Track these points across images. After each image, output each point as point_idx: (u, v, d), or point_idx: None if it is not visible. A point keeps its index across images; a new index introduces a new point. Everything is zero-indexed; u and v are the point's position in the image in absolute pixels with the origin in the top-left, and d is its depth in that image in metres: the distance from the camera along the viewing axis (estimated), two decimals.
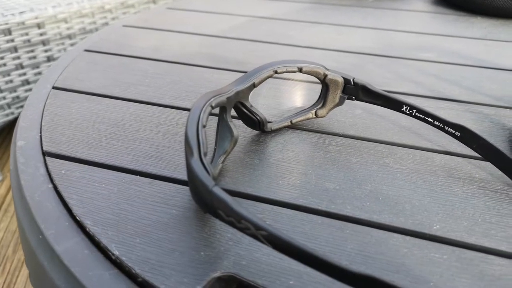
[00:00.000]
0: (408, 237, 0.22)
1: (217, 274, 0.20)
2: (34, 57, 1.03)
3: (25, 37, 1.03)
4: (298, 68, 0.30)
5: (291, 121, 0.32)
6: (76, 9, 1.10)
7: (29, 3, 1.07)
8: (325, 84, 0.31)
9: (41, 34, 1.07)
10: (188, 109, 0.35)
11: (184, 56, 0.46)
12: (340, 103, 0.32)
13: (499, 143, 0.31)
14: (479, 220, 0.24)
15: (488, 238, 0.22)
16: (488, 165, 0.28)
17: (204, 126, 0.23)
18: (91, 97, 0.37)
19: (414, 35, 0.53)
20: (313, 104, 0.33)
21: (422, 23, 0.57)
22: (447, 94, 0.38)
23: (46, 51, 1.05)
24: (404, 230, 0.23)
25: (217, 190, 0.20)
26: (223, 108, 0.27)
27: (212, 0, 0.68)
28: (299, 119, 0.33)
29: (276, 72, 0.29)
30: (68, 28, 1.12)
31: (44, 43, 1.08)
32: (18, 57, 1.01)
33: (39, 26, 1.06)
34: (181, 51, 0.47)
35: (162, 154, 0.29)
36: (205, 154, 0.22)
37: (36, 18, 1.05)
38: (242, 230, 0.19)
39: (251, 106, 0.29)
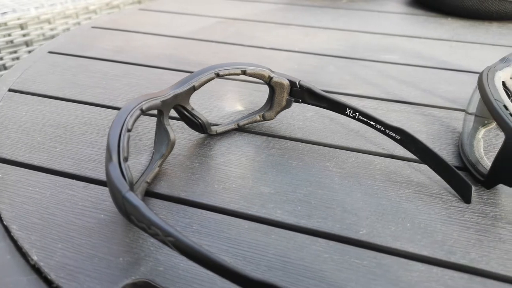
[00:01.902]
0: (332, 242, 0.22)
1: (131, 280, 0.20)
2: (17, 58, 1.03)
3: (8, 38, 1.03)
4: (241, 70, 0.30)
5: (238, 124, 0.32)
6: (60, 10, 1.10)
7: (11, 3, 1.06)
8: (271, 87, 0.31)
9: (24, 35, 1.07)
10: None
11: (146, 58, 0.45)
12: (287, 105, 0.32)
13: (446, 146, 0.31)
14: (408, 225, 0.23)
15: (413, 244, 0.22)
16: (427, 168, 0.28)
17: (129, 130, 0.23)
18: (45, 100, 0.37)
19: (380, 37, 0.53)
20: (261, 107, 0.33)
21: (391, 25, 0.57)
22: (402, 96, 0.38)
23: (29, 52, 1.04)
24: (329, 234, 0.23)
25: (130, 196, 0.20)
26: (160, 112, 0.27)
27: (186, 1, 0.68)
28: (246, 121, 0.32)
29: (218, 75, 0.29)
30: (51, 29, 1.11)
31: (27, 44, 1.08)
32: (1, 58, 1.00)
33: (22, 27, 1.06)
34: (144, 52, 0.47)
35: (104, 158, 0.29)
36: (126, 159, 0.22)
37: (19, 19, 1.05)
38: (152, 236, 0.19)
39: (193, 109, 0.29)
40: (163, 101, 0.26)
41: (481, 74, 0.28)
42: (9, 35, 1.05)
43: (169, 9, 0.64)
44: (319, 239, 0.22)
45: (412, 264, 0.21)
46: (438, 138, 0.31)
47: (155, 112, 0.35)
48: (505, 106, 0.25)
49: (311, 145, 0.31)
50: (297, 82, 0.31)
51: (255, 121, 0.33)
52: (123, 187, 0.20)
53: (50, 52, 0.47)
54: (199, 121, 0.29)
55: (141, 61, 0.45)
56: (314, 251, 0.22)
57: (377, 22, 0.58)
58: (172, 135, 0.27)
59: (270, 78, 0.31)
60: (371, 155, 0.29)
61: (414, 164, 0.28)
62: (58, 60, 0.45)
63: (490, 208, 0.25)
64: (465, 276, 0.20)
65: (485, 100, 0.26)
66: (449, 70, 0.43)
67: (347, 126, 0.33)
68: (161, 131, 0.27)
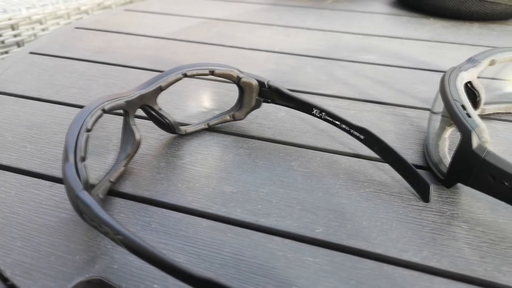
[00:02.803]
0: (287, 240, 0.22)
1: (84, 278, 0.20)
2: None
3: None
4: (210, 71, 0.30)
5: (208, 124, 0.33)
6: (51, 10, 1.10)
7: (2, 4, 1.06)
8: (240, 87, 0.32)
9: (15, 36, 1.07)
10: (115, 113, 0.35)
11: (126, 58, 0.46)
12: (257, 106, 0.33)
13: (413, 145, 0.31)
14: (364, 223, 0.24)
15: (367, 242, 0.22)
16: (391, 168, 0.28)
17: (88, 130, 0.23)
18: (20, 100, 0.37)
19: (361, 37, 0.53)
20: (232, 107, 0.33)
21: (373, 25, 0.57)
22: (376, 96, 0.38)
23: None
24: (286, 233, 0.23)
25: (83, 195, 0.20)
26: (126, 112, 0.27)
27: (173, 2, 0.68)
28: (216, 121, 0.33)
29: (185, 75, 0.30)
30: (43, 29, 1.11)
31: (18, 44, 1.08)
32: None
33: (13, 27, 1.06)
34: (124, 53, 0.47)
35: None
36: (82, 159, 0.22)
37: (10, 19, 1.05)
38: (104, 234, 0.19)
39: (160, 109, 0.29)
40: (127, 101, 0.27)
41: (444, 74, 0.29)
42: (0, 35, 1.05)
43: (154, 9, 0.64)
44: (275, 238, 0.23)
45: (364, 262, 0.21)
46: (406, 138, 0.32)
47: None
48: (463, 106, 0.25)
49: (279, 144, 0.31)
50: (265, 83, 0.31)
51: (225, 121, 0.33)
52: (77, 186, 0.20)
53: (31, 53, 0.47)
54: (167, 121, 0.30)
55: (120, 61, 0.45)
56: (268, 249, 0.22)
57: (360, 22, 0.59)
58: (137, 135, 0.27)
59: (239, 78, 0.31)
60: (337, 155, 0.30)
61: (378, 163, 0.29)
62: (38, 60, 0.45)
63: (448, 207, 0.25)
64: (415, 273, 0.21)
65: (445, 100, 0.26)
66: (426, 70, 0.44)
67: (316, 126, 0.33)
68: (127, 131, 0.28)
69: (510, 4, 0.55)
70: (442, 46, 0.50)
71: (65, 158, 0.21)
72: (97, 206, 0.19)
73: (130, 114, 0.27)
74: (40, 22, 1.10)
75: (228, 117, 0.33)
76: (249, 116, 0.34)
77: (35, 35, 1.09)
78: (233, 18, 0.60)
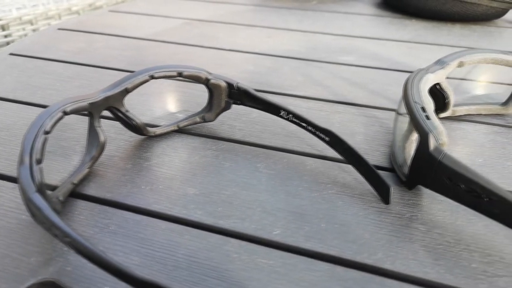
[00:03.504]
0: (244, 242, 0.23)
1: (37, 280, 0.20)
2: None
3: None
4: (177, 73, 0.30)
5: (178, 126, 0.33)
6: (42, 11, 1.10)
7: None
8: (209, 89, 0.32)
9: (5, 36, 1.07)
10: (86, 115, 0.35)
11: (105, 59, 0.46)
12: (227, 107, 0.33)
13: (380, 147, 0.31)
14: (323, 225, 0.24)
15: (323, 244, 0.22)
16: (355, 169, 0.28)
17: (47, 132, 0.23)
18: None
19: (341, 38, 0.53)
20: (202, 109, 0.33)
21: (355, 26, 0.57)
22: (349, 98, 0.38)
23: None
24: (243, 235, 0.23)
25: (35, 197, 0.20)
26: (90, 114, 0.27)
27: (157, 2, 0.68)
28: (186, 123, 0.33)
29: (152, 77, 0.30)
30: (34, 30, 1.11)
31: (9, 44, 1.08)
32: None
33: (3, 28, 1.06)
34: (104, 54, 0.47)
35: None
36: (38, 161, 0.22)
37: (0, 20, 1.05)
38: (55, 236, 0.19)
39: (127, 111, 0.29)
40: (91, 104, 0.27)
41: (409, 76, 0.29)
42: None
43: (138, 10, 0.64)
44: (232, 240, 0.23)
45: (318, 264, 0.21)
46: (374, 140, 0.32)
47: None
48: (423, 108, 0.25)
49: (247, 146, 0.31)
50: (234, 84, 0.31)
51: (196, 123, 0.33)
52: (30, 188, 0.20)
53: (11, 54, 0.47)
54: (134, 123, 0.30)
55: (99, 62, 0.45)
56: (224, 251, 0.22)
57: (342, 23, 0.59)
58: (102, 138, 0.27)
59: (207, 80, 0.31)
60: (304, 156, 0.30)
61: (344, 165, 0.29)
62: (17, 61, 0.45)
63: (408, 209, 0.25)
64: (367, 275, 0.21)
65: (406, 102, 0.26)
66: (402, 72, 0.44)
67: (287, 128, 0.33)
68: (92, 133, 0.28)
69: (491, 5, 0.55)
70: (422, 47, 0.50)
71: (20, 161, 0.22)
72: (47, 209, 0.19)
73: (94, 116, 0.27)
74: (31, 22, 1.10)
75: (198, 119, 0.33)
76: (221, 117, 0.35)
77: (26, 35, 1.09)
78: (216, 19, 0.60)
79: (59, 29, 0.56)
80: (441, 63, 0.31)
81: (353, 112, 0.36)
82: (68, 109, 0.25)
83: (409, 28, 0.56)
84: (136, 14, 0.62)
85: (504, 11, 0.57)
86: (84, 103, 0.26)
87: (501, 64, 0.32)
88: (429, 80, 0.29)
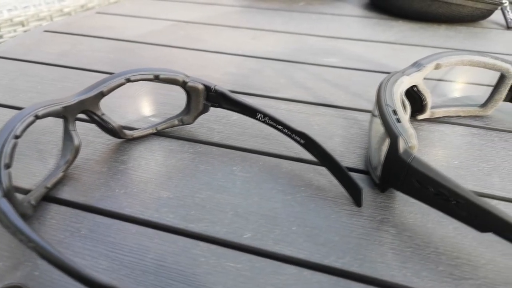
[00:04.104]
0: (213, 246, 0.23)
1: (3, 285, 0.20)
2: None
3: None
4: (154, 76, 0.30)
5: (156, 129, 0.33)
6: (33, 12, 1.10)
7: None
8: (187, 91, 0.32)
9: None
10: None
11: (89, 62, 0.46)
12: (205, 110, 0.33)
13: (357, 149, 0.31)
14: (294, 228, 0.24)
15: (292, 247, 0.23)
16: (329, 172, 0.28)
17: (17, 137, 0.23)
18: None
19: (326, 39, 0.53)
20: (180, 112, 0.33)
21: (341, 27, 0.57)
22: (330, 100, 0.38)
23: None
24: (213, 238, 0.23)
25: (1, 202, 0.20)
26: (65, 118, 0.27)
27: (145, 4, 0.68)
28: (164, 126, 0.33)
29: (129, 81, 0.30)
30: (25, 31, 1.11)
31: None
32: None
33: None
34: (88, 56, 0.47)
35: (17, 163, 0.29)
36: (7, 166, 0.22)
37: None
38: (20, 241, 0.19)
39: (103, 114, 0.29)
40: (65, 107, 0.27)
41: (384, 78, 0.29)
42: None
43: (126, 12, 0.64)
44: (201, 243, 0.23)
45: (285, 267, 0.21)
46: (352, 142, 0.32)
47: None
48: (394, 111, 0.25)
49: (225, 149, 0.31)
50: (212, 87, 0.31)
51: (174, 126, 0.33)
52: None
53: None
54: (110, 126, 0.30)
55: (83, 65, 0.45)
56: (192, 255, 0.22)
57: (328, 25, 0.59)
58: (76, 141, 0.27)
59: (185, 83, 0.31)
60: (280, 159, 0.30)
61: (319, 168, 0.29)
62: (1, 65, 0.45)
63: (379, 211, 0.25)
64: (333, 278, 0.21)
65: (378, 104, 0.26)
66: (385, 73, 0.44)
67: (266, 130, 0.33)
68: (67, 137, 0.28)
69: (476, 7, 0.55)
70: (407, 48, 0.51)
71: None
72: (12, 214, 0.19)
73: (69, 119, 0.27)
74: (22, 24, 1.09)
75: (176, 122, 0.33)
76: (201, 120, 0.35)
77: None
78: (202, 20, 0.60)
79: (45, 31, 0.56)
80: (417, 65, 0.31)
81: (333, 114, 0.36)
82: (40, 113, 0.25)
83: (395, 29, 0.57)
84: (123, 15, 0.62)
85: (489, 12, 0.57)
86: (57, 107, 0.26)
87: (478, 66, 0.32)
88: (404, 83, 0.29)
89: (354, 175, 0.28)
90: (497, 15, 0.61)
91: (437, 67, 0.32)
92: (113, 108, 0.36)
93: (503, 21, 0.60)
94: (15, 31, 1.08)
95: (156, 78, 0.30)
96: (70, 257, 0.22)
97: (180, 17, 0.61)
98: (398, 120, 0.25)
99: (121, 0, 0.89)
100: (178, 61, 0.47)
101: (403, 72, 0.30)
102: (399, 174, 0.24)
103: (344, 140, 0.32)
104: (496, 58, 0.33)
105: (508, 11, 0.56)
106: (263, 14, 0.63)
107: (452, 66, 0.32)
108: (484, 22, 0.60)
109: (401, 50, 0.50)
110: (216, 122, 0.34)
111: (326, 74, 0.44)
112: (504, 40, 0.54)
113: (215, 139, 0.32)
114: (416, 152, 0.30)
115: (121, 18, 0.61)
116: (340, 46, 0.51)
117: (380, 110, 0.26)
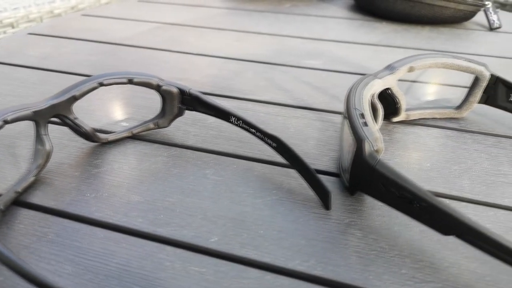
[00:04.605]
0: (179, 250, 0.23)
1: None
2: None
3: None
4: (128, 79, 0.30)
5: (132, 132, 0.33)
6: (23, 14, 1.09)
7: None
8: (162, 95, 0.32)
9: None
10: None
11: (70, 65, 0.46)
12: (180, 113, 0.33)
13: (330, 152, 0.31)
14: (261, 232, 0.24)
15: (258, 250, 0.23)
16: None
17: None
18: None
19: (309, 41, 0.53)
20: (156, 115, 0.33)
21: (325, 29, 0.58)
22: (308, 102, 0.38)
23: None
24: (180, 242, 0.23)
25: None
26: (36, 122, 0.27)
27: (132, 6, 0.68)
28: (139, 129, 0.33)
29: (102, 84, 0.30)
30: (15, 33, 1.10)
31: None
32: None
33: None
34: (70, 59, 0.47)
35: None
36: None
37: None
38: None
39: (76, 118, 0.29)
40: (35, 112, 0.27)
41: (355, 81, 0.29)
42: None
43: (111, 14, 0.64)
44: (168, 247, 0.23)
45: (249, 271, 0.21)
46: (326, 145, 0.32)
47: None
48: (361, 115, 0.25)
49: (199, 152, 0.31)
50: (186, 90, 0.31)
51: (149, 129, 0.33)
52: None
53: None
54: (83, 130, 0.30)
55: (64, 68, 0.45)
56: (157, 260, 0.22)
57: (312, 26, 0.59)
58: (47, 146, 0.27)
59: (159, 86, 0.31)
60: (254, 162, 0.30)
61: (291, 171, 0.29)
62: None
63: (348, 214, 0.25)
64: (295, 282, 0.21)
65: (346, 107, 0.26)
66: (363, 75, 0.44)
67: (241, 133, 0.33)
68: (38, 141, 0.28)
69: (459, 8, 0.55)
70: (389, 50, 0.51)
71: None
72: None
73: (40, 124, 0.27)
74: (12, 25, 1.09)
75: (151, 125, 0.33)
76: (177, 123, 0.35)
77: None
78: (187, 22, 0.60)
79: (29, 33, 0.56)
80: (390, 68, 0.32)
81: (310, 116, 0.36)
82: (9, 118, 0.25)
83: (378, 31, 0.57)
84: (108, 18, 0.62)
85: (472, 14, 0.57)
86: (27, 112, 0.26)
87: (451, 69, 0.33)
88: (375, 86, 0.29)
89: (326, 178, 0.28)
90: (480, 17, 0.61)
91: (411, 70, 0.32)
92: (90, 112, 0.36)
93: (486, 23, 0.60)
94: (5, 32, 1.08)
95: (130, 82, 0.30)
96: (35, 262, 0.22)
97: (165, 19, 0.62)
98: (365, 124, 0.25)
99: (111, 2, 0.89)
100: (160, 63, 0.47)
101: (375, 75, 0.30)
102: (365, 177, 0.24)
103: (318, 143, 0.32)
104: (470, 61, 0.33)
105: (490, 13, 0.56)
106: (249, 16, 0.64)
107: (425, 69, 0.32)
108: (467, 24, 0.60)
109: (383, 51, 0.50)
110: (193, 125, 0.34)
111: (306, 76, 0.44)
112: (487, 41, 0.54)
113: (191, 142, 0.32)
114: (388, 155, 0.30)
115: (107, 20, 0.61)
116: (323, 48, 0.51)
117: (348, 113, 0.26)
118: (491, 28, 0.57)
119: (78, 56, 0.48)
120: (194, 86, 0.41)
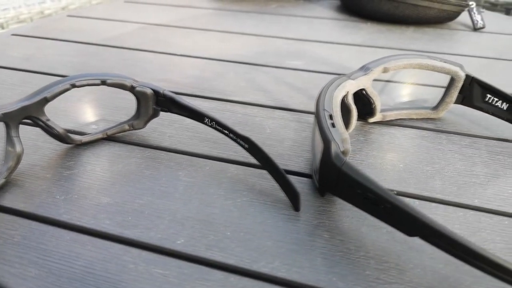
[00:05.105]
0: (145, 252, 0.23)
1: None
2: None
3: None
4: (101, 81, 0.30)
5: (106, 134, 0.33)
6: (13, 14, 1.09)
7: None
8: (136, 96, 0.32)
9: None
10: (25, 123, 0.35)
11: (52, 66, 0.46)
12: (155, 115, 0.33)
13: (305, 153, 0.31)
14: (228, 233, 0.24)
15: (223, 252, 0.23)
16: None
17: None
18: None
19: (294, 42, 0.53)
20: (131, 116, 0.33)
21: (310, 30, 0.58)
22: (287, 103, 0.38)
23: None
24: (146, 244, 0.23)
25: None
26: (7, 124, 0.27)
27: (119, 7, 0.68)
28: (114, 131, 0.33)
29: (74, 86, 0.30)
30: None
31: None
32: None
33: None
34: (52, 60, 0.47)
35: None
36: None
37: None
38: None
39: (48, 120, 0.29)
40: (5, 114, 0.27)
41: (327, 82, 0.29)
42: None
43: (97, 15, 0.64)
44: (133, 250, 0.23)
45: (213, 273, 0.21)
46: (301, 145, 0.32)
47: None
48: (330, 116, 0.25)
49: (173, 153, 0.31)
50: (161, 92, 0.31)
51: (125, 130, 0.33)
52: None
53: None
54: (55, 132, 0.30)
55: (46, 69, 0.45)
56: (122, 262, 0.22)
57: (297, 27, 0.59)
58: (18, 148, 0.27)
59: (133, 88, 0.31)
60: (227, 163, 0.30)
61: (264, 172, 0.29)
62: None
63: (317, 216, 0.25)
64: (259, 284, 0.21)
65: (316, 108, 0.26)
66: None
67: (216, 134, 0.33)
68: (9, 143, 0.28)
69: (443, 8, 0.55)
70: (372, 50, 0.51)
71: None
72: None
73: (11, 126, 0.27)
74: (2, 26, 1.09)
75: (127, 126, 0.33)
76: (153, 124, 0.35)
77: None
78: (173, 23, 0.60)
79: (12, 34, 0.56)
80: (365, 69, 0.32)
81: (288, 117, 0.36)
82: None
83: (363, 32, 0.57)
84: (94, 18, 0.62)
85: (456, 14, 0.58)
86: None
87: (426, 69, 0.33)
88: (346, 87, 0.29)
89: (299, 179, 0.28)
90: (464, 17, 0.61)
91: (385, 70, 0.32)
92: (67, 113, 0.36)
93: (470, 23, 0.60)
94: None
95: (103, 83, 0.30)
96: None
97: (151, 20, 0.61)
98: (333, 125, 0.25)
99: (99, 3, 0.89)
100: (142, 64, 0.47)
101: (348, 76, 0.30)
102: (333, 179, 0.24)
103: (294, 143, 0.32)
104: (446, 61, 0.33)
105: (474, 13, 0.56)
106: (234, 16, 0.64)
107: (400, 70, 0.32)
108: (451, 24, 0.60)
109: (366, 52, 0.50)
110: (169, 126, 0.34)
111: (288, 77, 0.44)
112: (470, 41, 0.54)
113: (166, 143, 0.32)
114: (362, 156, 0.30)
115: (92, 21, 0.61)
116: (307, 49, 0.51)
117: (317, 114, 0.26)
118: (475, 28, 0.57)
119: (61, 57, 0.48)
120: (176, 87, 0.41)
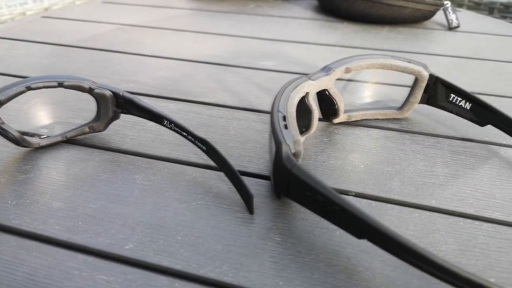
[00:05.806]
0: (91, 258, 0.22)
1: None
2: None
3: None
4: (58, 83, 0.30)
5: (65, 136, 0.32)
6: None
7: None
8: (95, 98, 0.31)
9: None
10: None
11: (19, 68, 0.45)
12: (116, 117, 0.32)
13: (266, 155, 0.31)
14: (179, 238, 0.23)
15: (171, 257, 0.22)
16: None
17: None
18: None
19: (268, 42, 0.53)
20: (92, 119, 0.33)
21: (286, 30, 0.57)
22: (254, 104, 0.38)
23: None
24: (93, 250, 0.23)
25: None
26: None
27: (95, 8, 0.68)
28: (74, 134, 0.32)
29: (30, 88, 0.29)
30: None
31: None
32: None
33: None
34: (21, 62, 0.46)
35: None
36: None
37: None
38: None
39: (3, 123, 0.29)
40: None
41: (285, 83, 0.29)
42: None
43: (73, 16, 0.63)
44: (79, 255, 0.22)
45: (158, 279, 0.21)
46: (263, 147, 0.32)
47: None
48: (283, 117, 0.25)
49: (133, 156, 0.31)
50: (120, 94, 0.31)
51: (85, 133, 0.32)
52: None
53: None
54: (10, 135, 0.29)
55: (13, 71, 0.44)
56: (66, 268, 0.21)
57: (273, 27, 0.59)
58: None
59: (91, 89, 0.30)
60: (186, 166, 0.29)
61: (222, 174, 0.28)
62: None
63: (271, 219, 0.25)
64: None
65: (272, 109, 0.26)
66: None
67: (179, 137, 0.33)
68: None
69: (417, 8, 0.55)
70: (346, 50, 0.51)
71: None
72: None
73: None
74: None
75: (87, 129, 0.32)
76: (116, 127, 0.34)
77: None
78: (149, 24, 0.60)
79: None
80: (327, 69, 0.31)
81: (253, 118, 0.36)
82: None
83: (338, 32, 0.57)
84: (69, 19, 0.61)
85: (431, 13, 0.58)
86: None
87: (390, 69, 0.32)
88: (305, 88, 0.29)
89: (259, 181, 0.28)
90: (440, 16, 0.61)
91: (347, 71, 0.32)
92: (27, 116, 0.36)
93: (445, 22, 0.60)
94: None
95: (60, 85, 0.30)
96: None
97: (127, 21, 0.61)
98: (285, 127, 0.24)
99: (87, 3, 0.88)
100: (113, 65, 0.46)
101: (309, 77, 0.30)
102: (284, 181, 0.23)
103: (257, 145, 0.32)
104: (410, 61, 0.33)
105: (449, 12, 0.56)
106: (211, 17, 0.63)
107: (362, 70, 0.32)
108: (427, 23, 0.60)
109: (340, 52, 0.50)
110: (132, 128, 0.34)
111: (258, 77, 0.43)
112: (445, 40, 0.54)
113: (126, 146, 0.32)
114: (324, 157, 0.30)
115: (67, 22, 0.60)
116: (281, 49, 0.51)
117: (271, 116, 0.25)
118: (450, 28, 0.57)
119: (30, 58, 0.48)
120: (144, 88, 0.41)
